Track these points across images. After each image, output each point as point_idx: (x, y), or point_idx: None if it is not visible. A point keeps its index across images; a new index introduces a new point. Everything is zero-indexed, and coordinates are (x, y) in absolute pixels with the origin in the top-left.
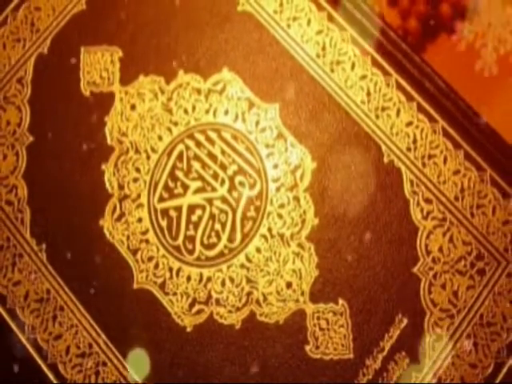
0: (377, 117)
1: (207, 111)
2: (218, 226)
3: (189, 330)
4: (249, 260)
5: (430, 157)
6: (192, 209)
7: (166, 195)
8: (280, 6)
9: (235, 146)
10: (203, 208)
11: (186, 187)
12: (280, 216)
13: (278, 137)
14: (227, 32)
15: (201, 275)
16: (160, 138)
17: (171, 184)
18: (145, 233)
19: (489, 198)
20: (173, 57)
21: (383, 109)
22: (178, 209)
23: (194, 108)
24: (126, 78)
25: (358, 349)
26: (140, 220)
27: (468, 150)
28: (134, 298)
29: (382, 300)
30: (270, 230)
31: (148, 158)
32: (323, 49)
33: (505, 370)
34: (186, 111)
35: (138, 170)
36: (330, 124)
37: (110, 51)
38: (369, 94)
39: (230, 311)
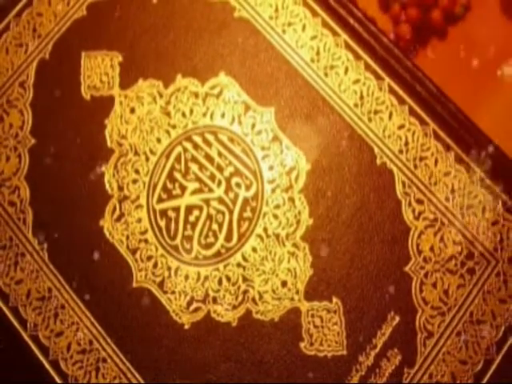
0: (369, 120)
1: (204, 114)
2: (215, 226)
3: (186, 327)
4: (245, 259)
5: (421, 159)
6: (190, 209)
7: (164, 196)
8: (275, 12)
9: (232, 148)
10: (200, 208)
11: (183, 188)
12: (275, 216)
13: (274, 139)
14: (224, 37)
15: (198, 274)
16: (159, 141)
17: (169, 185)
18: (144, 233)
19: (479, 198)
20: (171, 61)
21: (376, 112)
22: (176, 209)
23: (191, 111)
24: (126, 82)
25: (351, 346)
26: (139, 220)
27: (458, 152)
28: (134, 297)
29: (375, 298)
30: (265, 230)
31: (147, 159)
32: (317, 54)
33: (494, 366)
34: (183, 114)
35: (137, 171)
36: (324, 127)
37: (110, 56)
38: (362, 97)
39: (226, 309)
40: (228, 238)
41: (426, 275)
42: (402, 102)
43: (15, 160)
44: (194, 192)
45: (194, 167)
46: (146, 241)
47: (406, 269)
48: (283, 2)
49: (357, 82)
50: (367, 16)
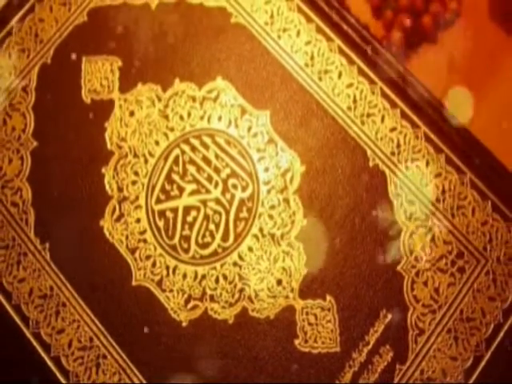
0: (362, 123)
1: (202, 117)
2: (212, 227)
3: (184, 324)
4: (241, 258)
5: (412, 161)
6: (187, 210)
7: (162, 197)
8: (271, 18)
9: (228, 150)
10: (198, 209)
11: (181, 189)
12: (271, 217)
13: (269, 142)
14: (221, 43)
15: (196, 273)
16: (157, 143)
17: (168, 186)
18: (143, 233)
19: (468, 199)
20: (169, 66)
21: (368, 115)
22: (174, 210)
23: (189, 114)
24: (125, 86)
25: (344, 342)
26: (138, 220)
27: (449, 154)
28: (133, 295)
29: (368, 296)
30: (261, 230)
31: (146, 161)
32: (312, 58)
33: (483, 363)
34: (181, 117)
35: (136, 173)
36: (318, 130)
37: (110, 61)
38: (355, 101)
39: (223, 307)
40: (225, 238)
41: (417, 274)
42: (393, 105)
43: (18, 162)
44: (192, 193)
45: (191, 169)
46: (144, 240)
47: (398, 268)
48: (278, 9)
49: (350, 86)
50: (360, 22)
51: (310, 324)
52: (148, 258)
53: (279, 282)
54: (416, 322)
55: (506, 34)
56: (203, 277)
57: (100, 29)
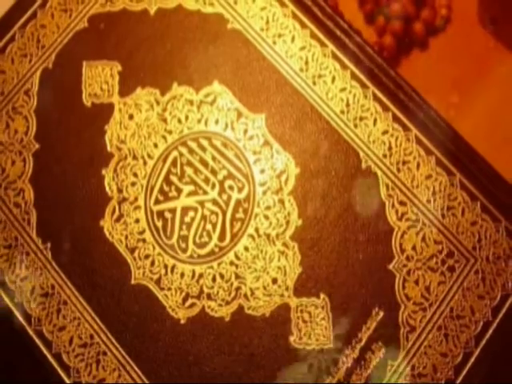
0: (355, 126)
1: (199, 121)
2: (209, 227)
3: (182, 322)
4: (237, 258)
5: (404, 163)
6: (185, 210)
7: (161, 198)
8: (266, 23)
9: (225, 152)
10: (195, 210)
11: (179, 191)
12: (266, 217)
13: (265, 144)
14: (218, 48)
15: (193, 272)
16: (156, 146)
17: (166, 188)
18: (142, 232)
19: (458, 200)
20: (168, 71)
21: (361, 118)
22: (173, 210)
23: (186, 118)
24: (125, 90)
25: (337, 339)
26: (137, 221)
27: (439, 156)
28: (132, 293)
29: (360, 294)
30: (257, 230)
31: (145, 163)
32: (306, 63)
33: (473, 359)
34: (179, 121)
35: (135, 174)
36: (313, 132)
37: (110, 65)
38: (348, 104)
39: (220, 305)
40: (221, 238)
41: (408, 273)
42: (385, 109)
43: (20, 164)
44: (190, 194)
45: (189, 171)
46: (143, 240)
47: (390, 267)
48: (273, 15)
49: (343, 90)
50: (353, 28)
51: (304, 321)
52: (147, 257)
53: (274, 281)
54: (407, 319)
55: (495, 40)
56: (201, 275)
57: (100, 35)
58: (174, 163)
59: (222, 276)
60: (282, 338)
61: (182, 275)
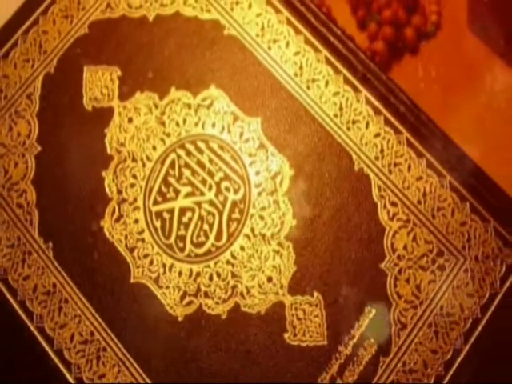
0: (348, 129)
1: (196, 124)
2: (206, 227)
3: (180, 319)
4: (234, 257)
5: (395, 165)
6: (183, 211)
7: (159, 199)
8: (261, 30)
9: (221, 155)
10: (193, 210)
11: (177, 192)
12: (261, 218)
13: (260, 147)
14: (214, 53)
15: (191, 270)
16: (154, 148)
17: (164, 189)
18: (141, 232)
19: (448, 201)
20: (166, 76)
21: (354, 122)
22: (171, 211)
23: (184, 121)
24: (124, 95)
25: (331, 336)
26: (136, 221)
27: (429, 158)
28: (131, 291)
29: (353, 293)
30: (252, 230)
31: (144, 165)
32: (300, 68)
33: (462, 355)
34: (177, 124)
35: (134, 176)
36: (307, 135)
37: (110, 70)
38: (341, 108)
39: (216, 303)
40: (218, 238)
41: (399, 271)
42: (377, 112)
43: (23, 166)
44: (187, 195)
45: (186, 172)
46: (142, 240)
47: (382, 266)
48: (269, 21)
49: (336, 94)
50: (346, 34)
51: (298, 319)
52: (146, 256)
53: (270, 280)
54: (398, 316)
55: (484, 45)
56: (198, 274)
57: (100, 41)
58: (172, 165)
59: (218, 275)
60: (277, 335)
61: (180, 274)
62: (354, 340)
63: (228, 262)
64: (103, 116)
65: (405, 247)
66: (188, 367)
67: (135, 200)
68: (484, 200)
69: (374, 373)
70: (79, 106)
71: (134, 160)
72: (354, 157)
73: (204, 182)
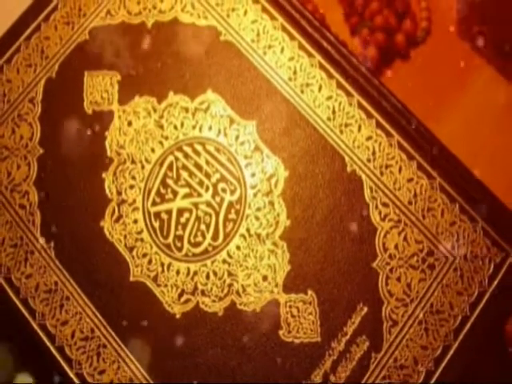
0: (341, 132)
1: (194, 127)
2: (203, 227)
3: (178, 317)
4: (230, 256)
5: (386, 167)
6: (181, 212)
7: (158, 200)
8: (257, 35)
9: (218, 157)
10: (190, 211)
11: (175, 193)
12: (257, 218)
13: (255, 149)
14: (211, 59)
15: (188, 269)
16: (153, 151)
17: (163, 190)
18: (140, 232)
19: (438, 202)
20: (164, 80)
21: (346, 125)
22: (169, 212)
23: (182, 124)
24: (124, 99)
25: (324, 333)
26: (136, 221)
27: (420, 161)
28: (131, 290)
29: (346, 291)
30: (248, 230)
31: (143, 167)
32: (294, 73)
33: (451, 351)
34: (175, 127)
35: (133, 178)
36: (301, 138)
37: (110, 75)
38: (334, 112)
39: (213, 301)
40: (215, 238)
41: (391, 270)
42: (369, 116)
43: (25, 168)
44: (185, 196)
45: (184, 174)
46: (141, 240)
47: (374, 265)
48: (264, 27)
49: (329, 98)
50: (339, 39)
51: (292, 316)
52: (144, 255)
53: (265, 278)
54: (390, 314)
55: (473, 51)
56: (195, 273)
57: (101, 46)
58: (170, 167)
59: (215, 273)
60: (271, 332)
61: (178, 273)
62: (347, 337)
63: (224, 261)
64: (103, 119)
65: (396, 247)
66: (185, 363)
67: (134, 201)
68: (472, 201)
69: (366, 368)
70: (80, 109)
71: (133, 162)
72: (347, 159)
73: (201, 183)
